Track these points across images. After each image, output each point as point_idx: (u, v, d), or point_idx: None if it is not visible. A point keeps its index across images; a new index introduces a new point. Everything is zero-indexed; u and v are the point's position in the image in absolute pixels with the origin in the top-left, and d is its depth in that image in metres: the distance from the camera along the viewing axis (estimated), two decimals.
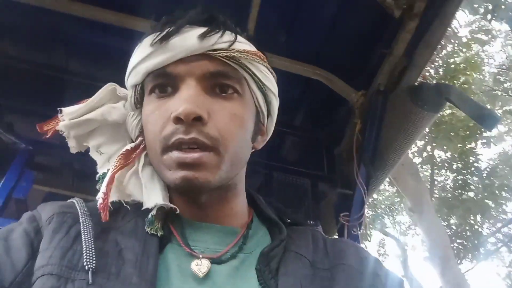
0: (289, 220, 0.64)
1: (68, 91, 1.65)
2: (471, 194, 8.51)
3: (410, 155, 7.08)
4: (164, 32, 0.53)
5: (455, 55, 7.53)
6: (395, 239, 10.92)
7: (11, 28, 1.52)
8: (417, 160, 8.33)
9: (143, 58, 0.55)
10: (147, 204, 0.53)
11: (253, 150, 0.62)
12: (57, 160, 2.03)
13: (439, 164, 8.80)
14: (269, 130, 0.65)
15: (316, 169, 1.83)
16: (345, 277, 0.54)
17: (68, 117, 0.60)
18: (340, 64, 1.59)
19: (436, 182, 9.23)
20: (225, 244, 0.54)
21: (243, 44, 0.56)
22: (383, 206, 10.44)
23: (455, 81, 6.79)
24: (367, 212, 9.80)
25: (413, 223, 10.35)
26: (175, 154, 0.50)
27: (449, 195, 8.79)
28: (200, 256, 0.51)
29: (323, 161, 1.82)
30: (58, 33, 1.57)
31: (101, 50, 1.63)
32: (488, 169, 8.57)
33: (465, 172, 8.23)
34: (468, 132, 7.17)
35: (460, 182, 8.39)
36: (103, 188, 0.53)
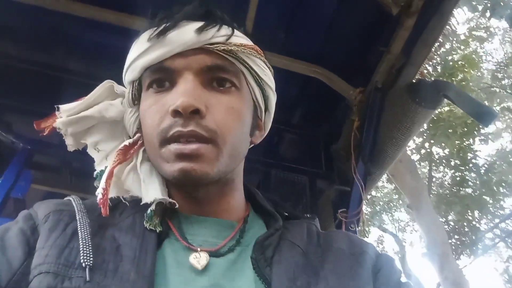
0: (286, 214, 0.65)
1: (67, 90, 1.64)
2: (469, 190, 8.55)
3: (409, 152, 7.09)
4: (161, 27, 0.54)
5: (453, 52, 7.54)
6: (394, 235, 10.97)
7: (10, 27, 1.51)
8: (415, 157, 8.35)
9: (140, 53, 0.55)
10: (146, 199, 0.53)
11: (251, 145, 0.62)
12: (55, 159, 2.03)
13: (437, 161, 8.83)
14: (267, 125, 0.65)
15: (314, 166, 1.83)
16: (333, 258, 0.54)
17: (65, 114, 0.60)
18: (338, 62, 1.59)
19: (434, 179, 9.26)
20: (223, 237, 0.54)
21: (240, 38, 0.56)
22: (381, 203, 10.48)
23: (453, 78, 6.80)
24: (366, 209, 9.82)
25: (411, 220, 10.39)
26: (174, 146, 0.51)
27: (447, 191, 8.82)
28: (198, 249, 0.51)
29: (321, 158, 1.82)
30: (57, 33, 1.56)
31: (100, 49, 1.62)
32: (486, 166, 8.59)
33: (463, 168, 8.26)
34: (466, 129, 7.18)
35: (458, 178, 8.42)
36: (102, 183, 0.53)
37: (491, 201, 8.61)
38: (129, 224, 0.53)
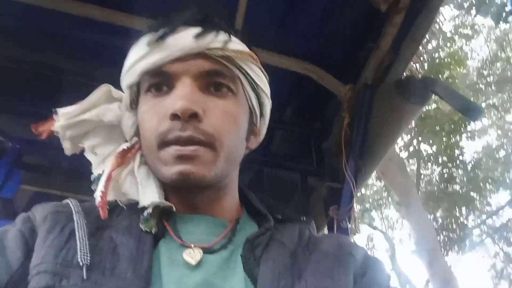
0: (280, 217, 0.65)
1: (57, 90, 1.63)
2: (456, 187, 8.69)
3: (397, 150, 7.17)
4: (161, 32, 0.55)
5: (440, 50, 7.64)
6: (383, 233, 11.08)
7: None
8: (403, 154, 8.44)
9: (139, 57, 0.56)
10: (143, 202, 0.54)
11: (247, 150, 0.63)
12: (45, 159, 2.00)
13: (425, 158, 8.95)
14: (262, 131, 0.66)
15: (305, 164, 1.84)
16: (317, 259, 0.55)
17: (63, 117, 0.60)
18: (328, 59, 1.60)
19: (422, 176, 9.39)
20: (216, 235, 0.55)
21: (237, 44, 0.57)
22: (371, 201, 10.57)
23: (439, 76, 6.90)
24: (356, 206, 9.90)
25: (401, 217, 10.50)
26: (173, 147, 0.51)
27: (435, 188, 8.95)
28: (192, 245, 0.52)
29: (312, 156, 1.83)
30: (47, 31, 1.54)
31: (90, 48, 1.61)
32: (472, 162, 8.75)
33: (451, 165, 8.39)
34: (453, 126, 7.30)
35: (445, 175, 8.55)
36: (100, 186, 0.53)
37: (478, 198, 8.76)
38: (126, 225, 0.54)
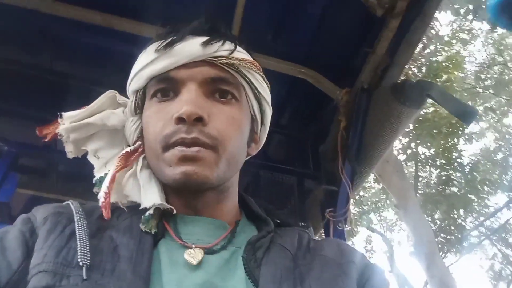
0: (278, 221, 0.66)
1: (53, 93, 1.63)
2: (454, 189, 8.70)
3: (395, 153, 7.19)
4: (169, 40, 0.57)
5: (438, 54, 7.67)
6: (382, 235, 11.07)
7: None
8: (401, 157, 8.46)
9: (147, 63, 0.58)
10: (145, 204, 0.54)
11: (247, 156, 0.65)
12: (41, 163, 2.00)
13: (423, 161, 8.97)
14: (262, 139, 0.68)
15: (302, 167, 1.85)
16: (320, 265, 0.55)
17: (68, 120, 0.62)
18: (325, 63, 1.61)
19: (420, 178, 9.40)
20: (216, 236, 0.56)
21: (241, 54, 0.60)
22: (369, 203, 10.57)
23: (437, 79, 6.93)
24: (354, 209, 9.91)
25: (399, 219, 10.51)
26: (178, 148, 0.53)
27: (433, 190, 8.96)
28: (193, 246, 0.53)
29: (309, 159, 1.84)
30: (44, 34, 1.54)
31: (86, 51, 1.61)
32: (470, 165, 8.76)
33: (448, 168, 8.41)
34: (450, 129, 7.32)
35: (443, 177, 8.56)
36: (104, 187, 0.54)
37: (476, 200, 8.77)
38: (127, 226, 0.54)
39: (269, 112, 0.66)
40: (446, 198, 8.41)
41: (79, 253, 0.48)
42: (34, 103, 1.54)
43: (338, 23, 1.51)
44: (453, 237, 8.66)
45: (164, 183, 0.57)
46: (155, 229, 0.53)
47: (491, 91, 8.89)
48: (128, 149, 0.60)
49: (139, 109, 0.61)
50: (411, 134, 7.83)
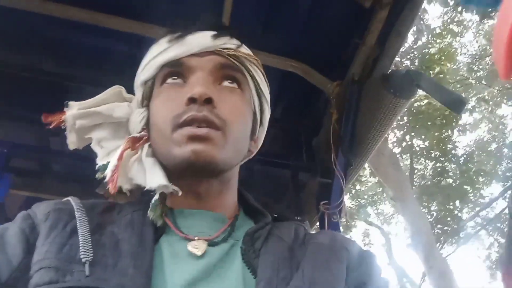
0: (275, 215, 0.67)
1: (43, 93, 1.63)
2: (449, 180, 8.75)
3: (390, 145, 7.21)
4: (181, 32, 0.60)
5: (430, 46, 7.70)
6: (379, 228, 11.14)
7: None
8: (396, 150, 8.51)
9: (159, 52, 0.60)
10: (150, 185, 0.55)
11: (249, 153, 0.65)
12: (36, 163, 1.99)
13: (418, 153, 9.01)
14: (260, 139, 0.69)
15: (296, 160, 1.85)
16: (313, 251, 0.56)
17: (76, 107, 0.62)
18: (315, 56, 1.61)
19: (416, 171, 9.45)
20: (216, 229, 0.57)
21: (247, 50, 0.64)
22: (366, 197, 10.62)
23: (430, 71, 6.95)
24: (351, 203, 9.96)
25: (396, 212, 10.57)
26: (187, 129, 0.54)
27: (429, 182, 9.02)
28: (196, 238, 0.54)
29: (302, 152, 1.84)
30: (33, 34, 1.54)
31: (77, 51, 1.61)
32: (465, 156, 8.82)
33: (443, 159, 8.46)
34: (444, 121, 7.36)
35: (438, 169, 8.62)
36: (111, 165, 0.56)
37: (471, 190, 8.84)
38: (128, 221, 0.55)
39: (267, 112, 0.68)
40: (442, 190, 8.47)
41: (81, 250, 0.48)
42: (24, 103, 1.54)
43: (327, 15, 1.51)
44: (449, 228, 8.73)
45: (169, 169, 0.57)
46: (161, 220, 0.55)
47: (483, 82, 8.94)
48: (134, 135, 0.61)
49: (146, 99, 0.62)
50: (405, 127, 7.87)
